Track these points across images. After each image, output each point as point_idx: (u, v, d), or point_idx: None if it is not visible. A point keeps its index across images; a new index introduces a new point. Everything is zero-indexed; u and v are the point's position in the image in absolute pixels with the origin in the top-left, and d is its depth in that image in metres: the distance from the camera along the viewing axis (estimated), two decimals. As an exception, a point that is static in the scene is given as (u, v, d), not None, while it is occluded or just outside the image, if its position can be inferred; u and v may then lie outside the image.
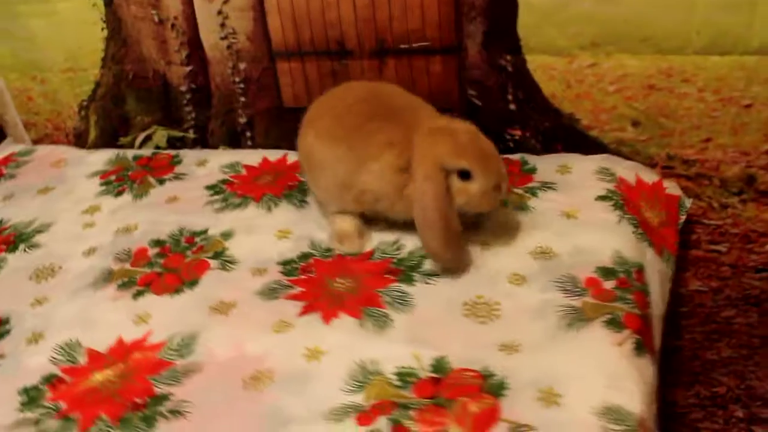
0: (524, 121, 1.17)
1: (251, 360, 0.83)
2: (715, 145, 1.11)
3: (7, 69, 1.38)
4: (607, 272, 0.91)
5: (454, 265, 0.94)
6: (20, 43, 1.32)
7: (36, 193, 1.22)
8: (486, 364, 0.79)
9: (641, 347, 0.81)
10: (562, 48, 1.09)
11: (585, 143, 1.16)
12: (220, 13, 1.18)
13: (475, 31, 1.10)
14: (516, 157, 1.17)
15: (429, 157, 0.90)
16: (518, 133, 1.18)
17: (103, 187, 1.22)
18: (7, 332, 0.94)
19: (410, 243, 1.00)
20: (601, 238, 0.97)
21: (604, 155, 1.14)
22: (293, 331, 0.86)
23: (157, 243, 1.05)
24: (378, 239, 1.01)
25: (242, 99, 1.26)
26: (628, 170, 1.12)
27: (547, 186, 1.08)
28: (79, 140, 1.41)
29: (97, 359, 0.86)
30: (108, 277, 0.99)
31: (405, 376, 0.79)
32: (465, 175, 0.90)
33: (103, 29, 1.27)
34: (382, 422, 0.73)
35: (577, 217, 1.02)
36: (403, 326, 0.86)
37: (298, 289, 0.93)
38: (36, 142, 1.47)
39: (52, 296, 0.97)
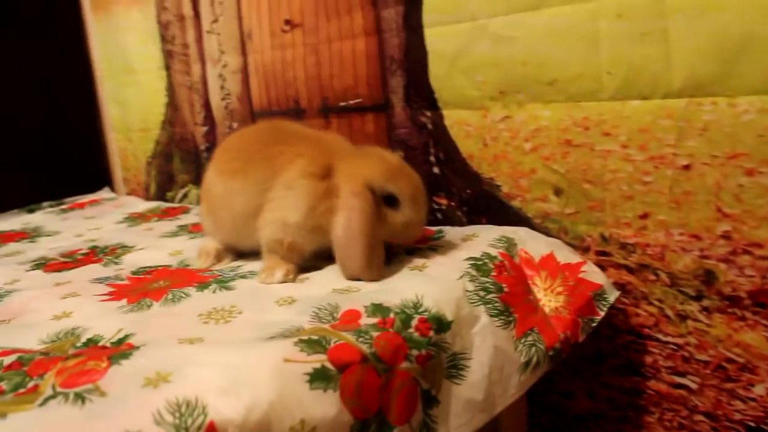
0: (447, 187, 1.03)
1: (21, 311, 0.87)
2: (655, 223, 0.83)
3: (116, 131, 1.74)
4: (378, 309, 0.74)
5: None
6: (121, 109, 1.67)
7: (82, 219, 1.48)
8: (150, 345, 0.69)
9: (323, 379, 0.62)
10: (473, 99, 0.98)
11: (508, 216, 0.97)
12: (220, 75, 1.34)
13: (397, 86, 1.06)
14: (435, 228, 1.02)
15: (358, 176, 0.83)
16: (444, 202, 1.04)
17: (121, 219, 1.43)
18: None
19: (249, 266, 0.95)
20: (414, 285, 0.79)
21: (523, 228, 0.93)
22: (71, 301, 0.87)
23: (93, 248, 1.19)
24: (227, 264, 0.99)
25: (235, 158, 1.37)
26: (539, 245, 0.90)
27: (431, 248, 0.92)
28: (147, 193, 1.66)
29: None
30: (37, 260, 1.15)
31: (90, 341, 0.74)
32: (391, 201, 0.83)
33: (165, 96, 1.54)
34: (12, 358, 0.69)
35: (421, 270, 0.85)
36: (151, 314, 0.81)
37: (124, 282, 0.95)
38: (128, 194, 1.76)
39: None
